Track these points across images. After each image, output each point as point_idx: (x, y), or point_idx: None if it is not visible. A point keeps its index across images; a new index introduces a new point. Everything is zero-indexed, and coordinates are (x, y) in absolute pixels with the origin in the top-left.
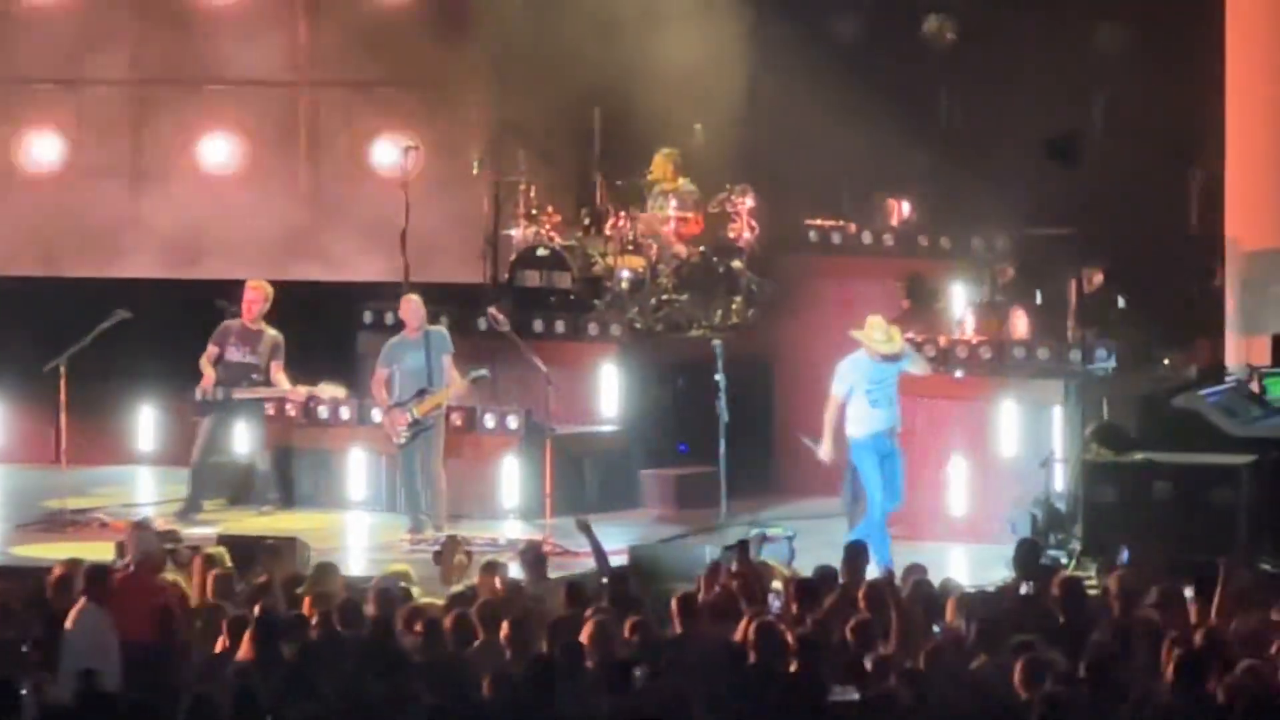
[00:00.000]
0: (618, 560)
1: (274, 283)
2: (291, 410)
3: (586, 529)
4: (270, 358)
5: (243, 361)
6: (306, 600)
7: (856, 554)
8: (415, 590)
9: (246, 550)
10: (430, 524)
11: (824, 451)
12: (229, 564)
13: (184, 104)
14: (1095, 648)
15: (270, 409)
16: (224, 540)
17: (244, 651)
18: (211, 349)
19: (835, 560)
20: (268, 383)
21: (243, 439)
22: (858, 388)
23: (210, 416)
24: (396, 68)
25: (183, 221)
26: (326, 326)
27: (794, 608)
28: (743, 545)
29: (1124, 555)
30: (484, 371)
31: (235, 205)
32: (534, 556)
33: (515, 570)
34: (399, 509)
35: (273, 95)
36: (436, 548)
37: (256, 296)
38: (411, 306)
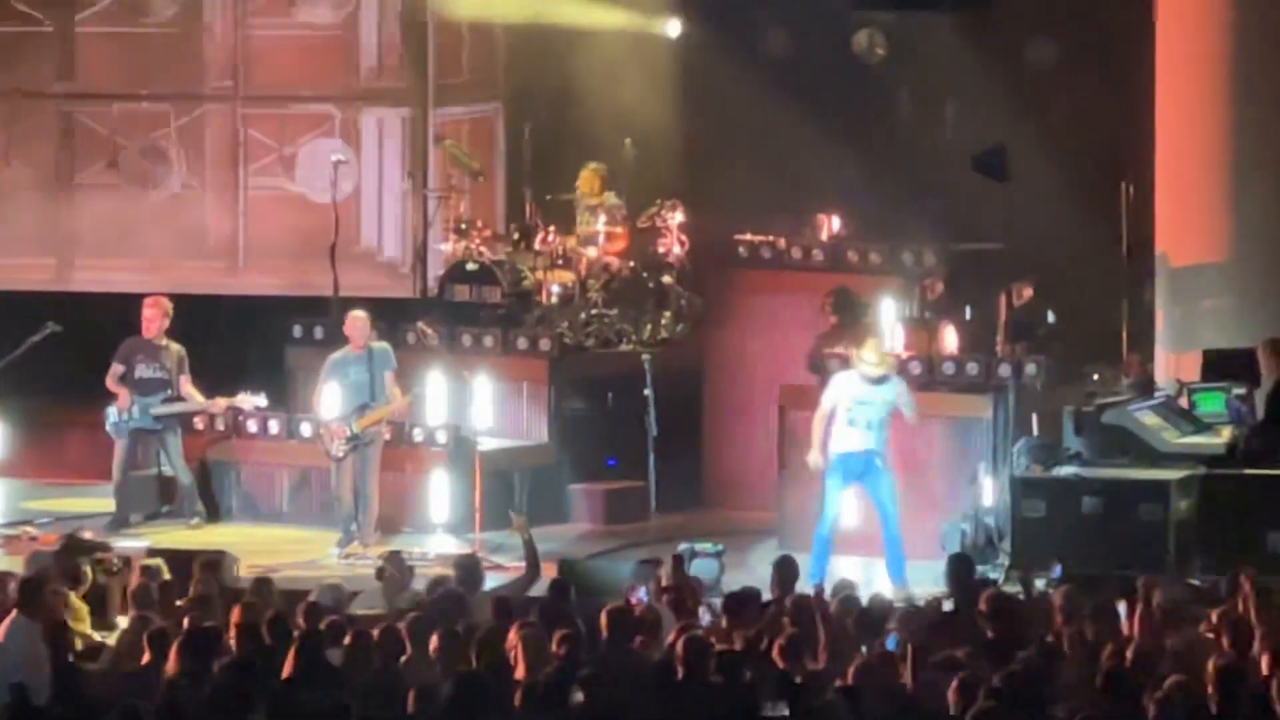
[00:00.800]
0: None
1: (205, 296)
2: (220, 425)
3: (522, 528)
4: (178, 371)
5: (153, 377)
6: (236, 613)
7: (786, 569)
8: (348, 603)
9: (181, 563)
10: (358, 538)
11: (811, 459)
12: (167, 576)
13: (108, 116)
14: (1025, 663)
15: (199, 423)
16: (156, 553)
17: (172, 664)
18: (116, 367)
19: (764, 575)
20: (180, 397)
21: (165, 454)
22: (840, 404)
23: (129, 434)
24: (327, 81)
25: (108, 234)
26: (256, 340)
27: (724, 622)
28: (676, 559)
29: (1056, 570)
30: (420, 389)
31: (166, 217)
32: (468, 570)
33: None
34: (327, 523)
35: (204, 107)
36: (379, 563)
37: (155, 313)
38: (357, 323)
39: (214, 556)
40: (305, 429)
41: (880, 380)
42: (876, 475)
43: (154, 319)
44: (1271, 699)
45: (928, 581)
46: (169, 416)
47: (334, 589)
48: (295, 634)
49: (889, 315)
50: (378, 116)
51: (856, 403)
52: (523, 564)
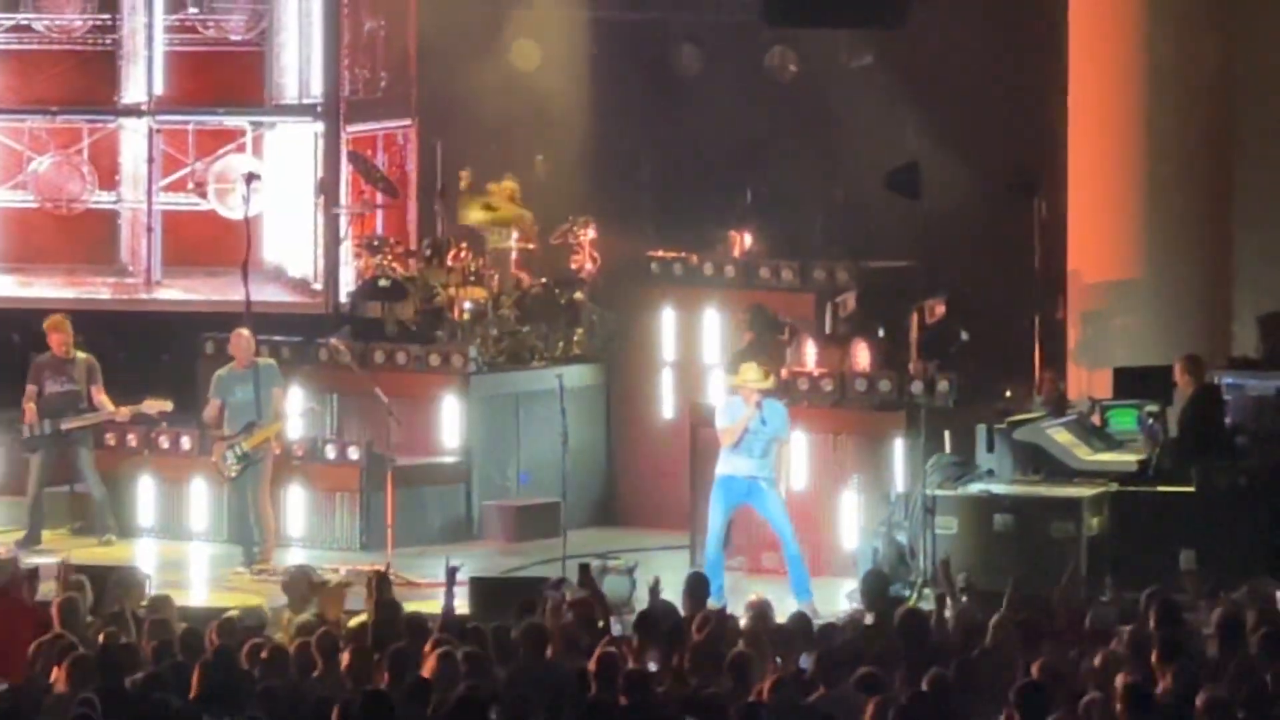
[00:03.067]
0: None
1: (117, 311)
2: (132, 440)
3: (451, 575)
4: (89, 382)
5: (63, 391)
6: (146, 629)
7: (697, 586)
8: (264, 621)
9: (96, 579)
10: (261, 555)
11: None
12: (79, 591)
13: (20, 132)
14: (937, 680)
15: (111, 439)
16: (69, 568)
17: (84, 682)
18: (30, 388)
19: (675, 593)
20: (93, 408)
21: (78, 469)
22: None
23: (41, 451)
24: (240, 96)
25: (23, 247)
26: (169, 355)
27: (634, 640)
28: (584, 570)
29: (961, 580)
30: (313, 406)
31: (79, 231)
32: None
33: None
34: (238, 539)
35: (117, 122)
36: (284, 577)
37: (59, 338)
38: (241, 341)
39: (127, 573)
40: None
41: (769, 393)
42: (762, 496)
43: (60, 343)
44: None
45: (840, 599)
46: (80, 430)
47: (255, 611)
48: (207, 650)
49: (802, 332)
50: (289, 131)
51: (747, 431)
52: (438, 583)
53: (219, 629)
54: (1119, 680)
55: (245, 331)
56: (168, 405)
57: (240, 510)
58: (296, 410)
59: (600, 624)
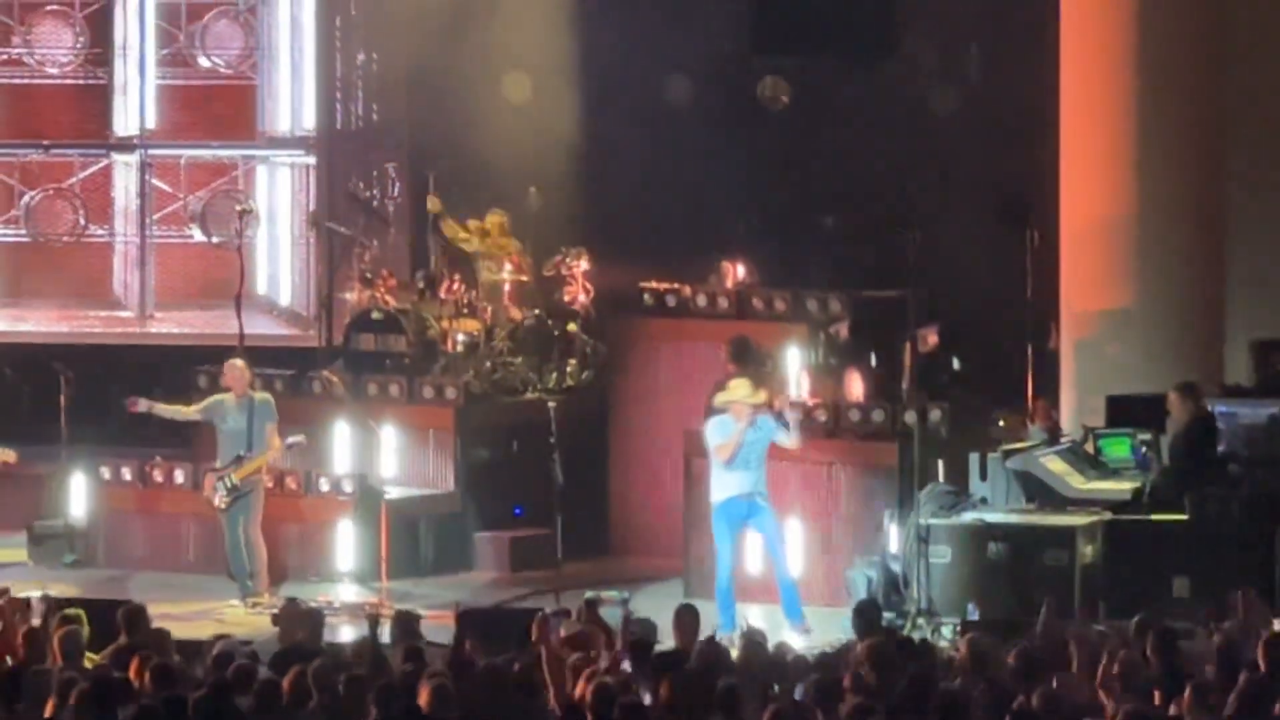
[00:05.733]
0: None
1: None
2: (127, 474)
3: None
4: None
5: None
6: (136, 662)
7: (687, 618)
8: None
9: (96, 613)
10: (255, 587)
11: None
12: (76, 624)
13: (11, 166)
14: (937, 711)
15: (106, 473)
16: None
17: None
18: None
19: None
20: None
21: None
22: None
23: None
24: (232, 131)
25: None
26: (162, 388)
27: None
28: (590, 604)
29: (972, 612)
30: (300, 438)
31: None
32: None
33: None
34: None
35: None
36: (274, 610)
37: None
38: (236, 372)
39: (136, 608)
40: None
41: (753, 419)
42: (761, 514)
43: None
44: None
45: (834, 628)
46: None
47: (242, 642)
48: (202, 682)
49: (794, 362)
50: (282, 165)
51: (742, 445)
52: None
53: (216, 661)
54: (1121, 709)
55: (239, 362)
56: (11, 456)
57: (233, 543)
58: (285, 442)
59: (602, 654)
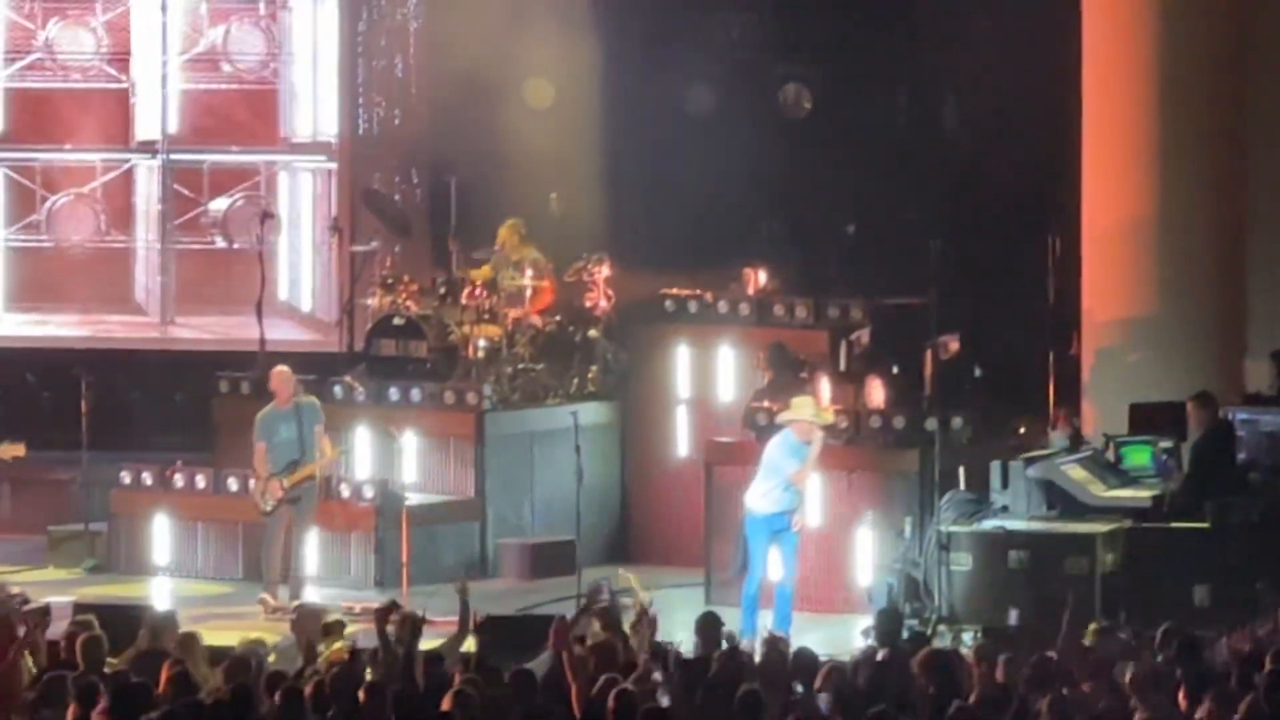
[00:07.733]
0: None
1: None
2: (148, 479)
3: (464, 590)
4: None
5: None
6: (165, 668)
7: (710, 625)
8: (272, 658)
9: (123, 619)
10: (287, 592)
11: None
12: (98, 629)
13: (32, 170)
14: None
15: (126, 478)
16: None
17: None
18: None
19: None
20: None
21: None
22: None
23: None
24: (254, 136)
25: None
26: (184, 394)
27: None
28: (606, 613)
29: (1014, 618)
30: (352, 444)
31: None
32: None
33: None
34: (253, 578)
35: (131, 161)
36: (293, 616)
37: None
38: (282, 378)
39: (162, 614)
40: (232, 483)
41: (828, 429)
42: (788, 531)
43: None
44: None
45: (855, 636)
46: None
47: (259, 643)
48: (223, 688)
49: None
50: (304, 170)
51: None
52: (454, 620)
53: (235, 666)
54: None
55: (285, 369)
56: (20, 450)
57: (269, 546)
58: (339, 448)
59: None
